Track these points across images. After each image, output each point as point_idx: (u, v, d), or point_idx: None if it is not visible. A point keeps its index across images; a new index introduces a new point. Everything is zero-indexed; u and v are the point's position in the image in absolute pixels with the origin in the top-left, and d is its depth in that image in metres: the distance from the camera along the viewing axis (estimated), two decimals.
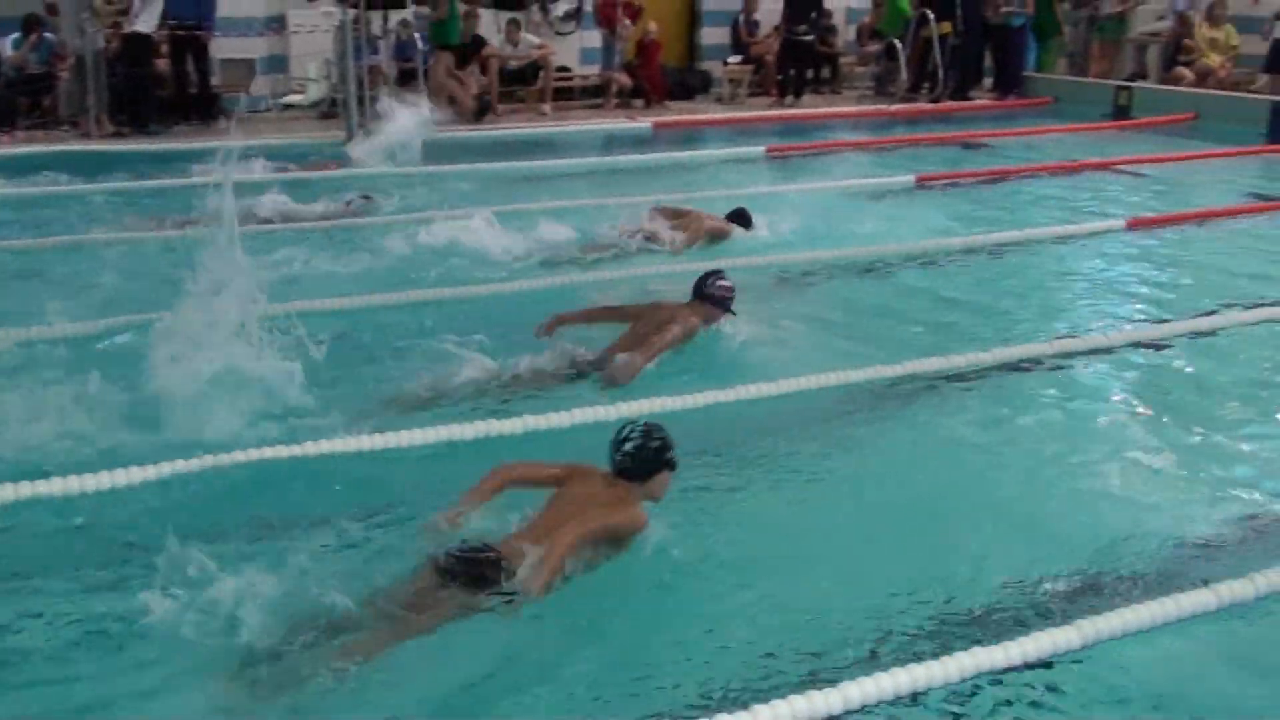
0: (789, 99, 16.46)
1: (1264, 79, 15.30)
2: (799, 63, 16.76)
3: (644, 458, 4.17)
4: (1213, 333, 6.64)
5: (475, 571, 3.78)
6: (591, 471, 4.22)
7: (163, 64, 13.80)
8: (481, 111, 14.93)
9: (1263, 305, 7.08)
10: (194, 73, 13.91)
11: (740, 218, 8.53)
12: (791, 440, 5.20)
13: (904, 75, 16.60)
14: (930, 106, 16.16)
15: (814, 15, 16.76)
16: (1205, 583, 3.95)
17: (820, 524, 4.53)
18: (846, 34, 19.09)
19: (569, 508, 4.04)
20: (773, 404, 5.44)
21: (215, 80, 14.43)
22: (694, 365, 5.86)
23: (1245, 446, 5.17)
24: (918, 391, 5.72)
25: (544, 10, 17.27)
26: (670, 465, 4.21)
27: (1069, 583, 4.05)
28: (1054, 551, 4.24)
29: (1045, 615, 3.84)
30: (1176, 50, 16.22)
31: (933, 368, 5.92)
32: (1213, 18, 15.84)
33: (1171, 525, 4.45)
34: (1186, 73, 15.84)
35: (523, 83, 15.98)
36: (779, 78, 16.79)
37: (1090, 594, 3.98)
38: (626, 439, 4.19)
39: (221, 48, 14.60)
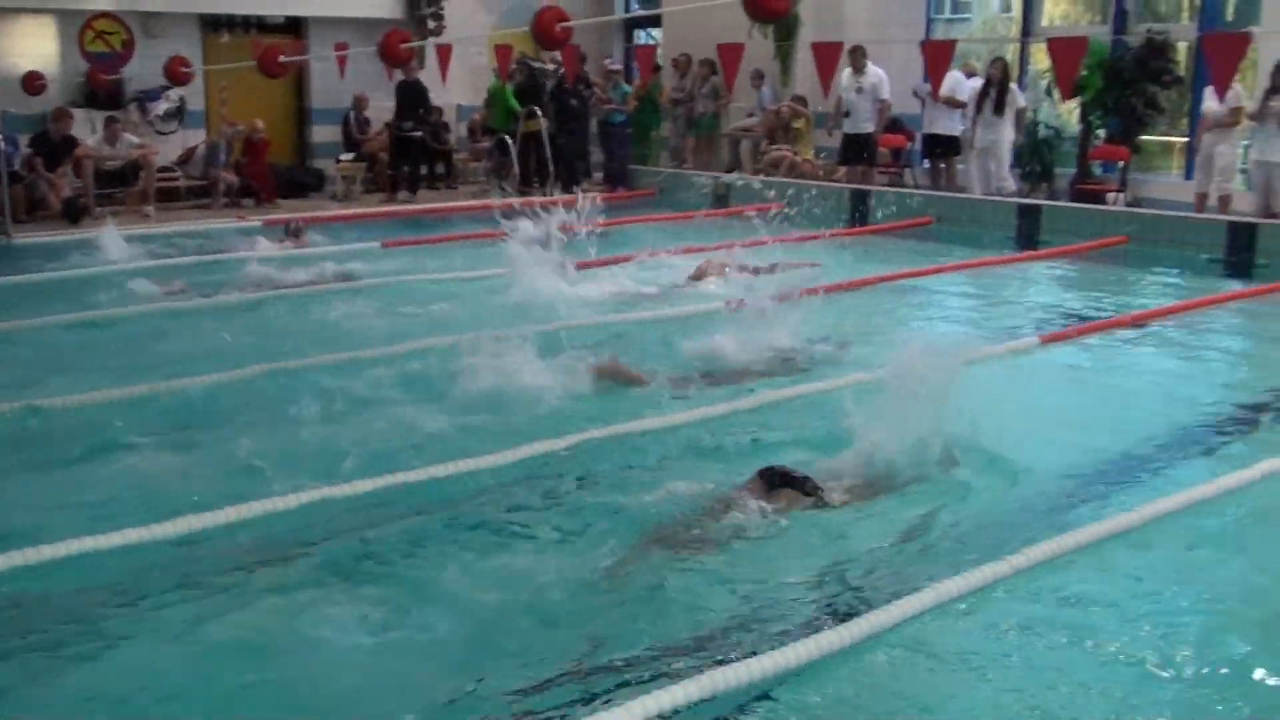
0: (403, 194, 16.51)
1: (843, 170, 16.63)
2: (410, 159, 16.92)
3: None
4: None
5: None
6: None
7: None
8: (75, 215, 14.11)
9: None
10: None
11: None
12: None
13: (516, 170, 17.02)
14: (542, 199, 16.56)
15: (421, 111, 16.98)
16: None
17: None
18: (459, 130, 19.41)
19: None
20: None
21: None
22: None
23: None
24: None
25: (142, 109, 16.65)
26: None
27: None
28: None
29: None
30: (770, 142, 17.41)
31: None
32: (795, 114, 17.12)
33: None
34: (784, 151, 17.06)
35: (123, 184, 15.24)
36: (391, 174, 16.86)
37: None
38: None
39: None
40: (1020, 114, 15.20)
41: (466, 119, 19.38)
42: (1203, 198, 13.58)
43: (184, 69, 16.59)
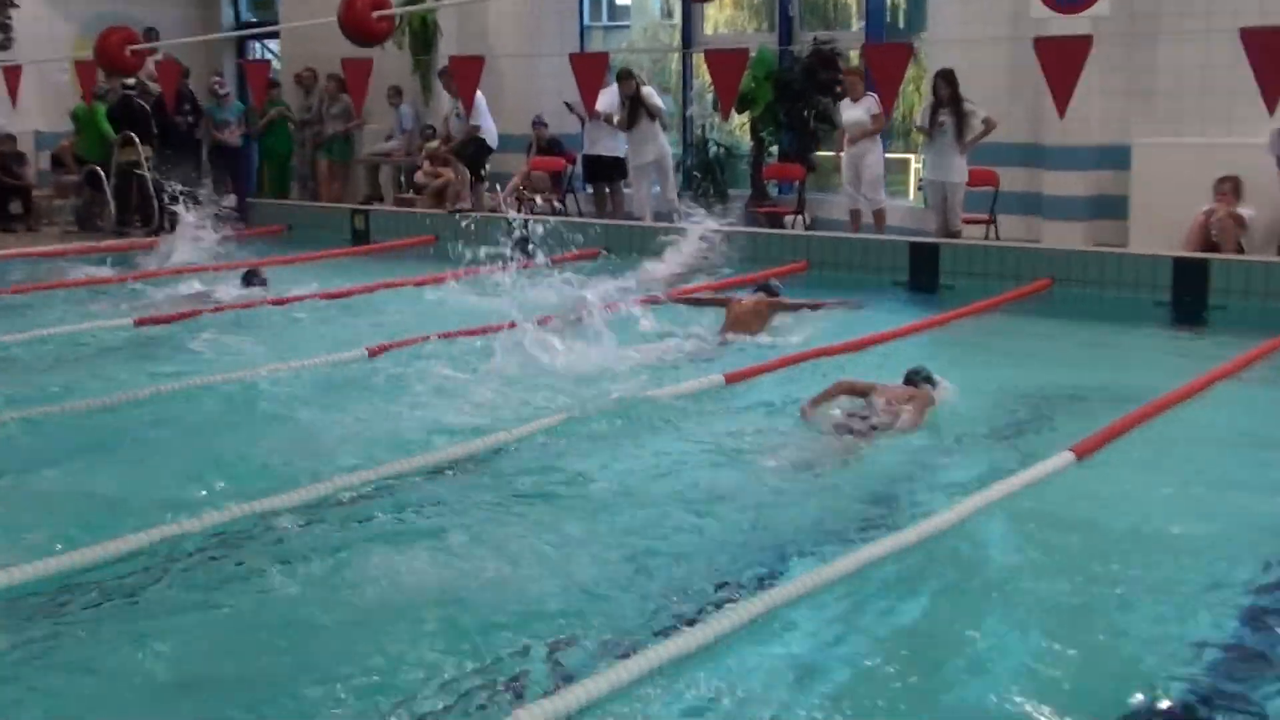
0: None
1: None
2: None
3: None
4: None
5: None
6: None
7: None
8: None
9: None
10: None
11: None
12: None
13: (111, 206, 14.83)
14: (147, 240, 14.31)
15: None
16: None
17: None
18: (40, 162, 17.02)
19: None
20: None
21: None
22: None
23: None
24: None
25: None
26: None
27: None
28: None
29: None
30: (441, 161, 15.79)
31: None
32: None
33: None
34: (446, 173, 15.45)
35: None
36: None
37: None
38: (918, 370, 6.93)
39: None
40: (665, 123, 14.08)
41: (50, 147, 16.99)
42: (857, 215, 12.91)
43: None
